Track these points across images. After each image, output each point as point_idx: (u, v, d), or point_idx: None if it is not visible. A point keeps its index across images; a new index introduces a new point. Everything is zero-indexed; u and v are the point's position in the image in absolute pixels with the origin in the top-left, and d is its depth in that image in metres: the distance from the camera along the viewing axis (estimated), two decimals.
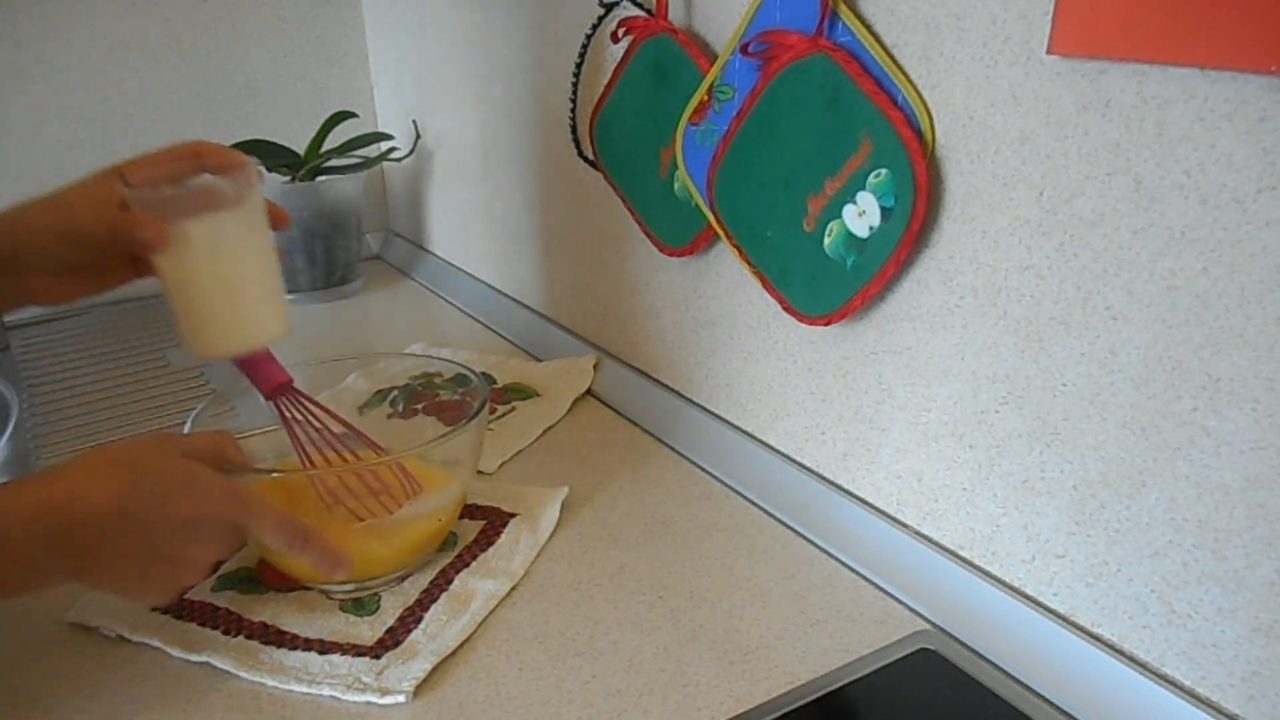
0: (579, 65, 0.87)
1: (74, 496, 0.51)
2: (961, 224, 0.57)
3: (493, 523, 0.73)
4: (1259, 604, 0.47)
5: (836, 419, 0.70)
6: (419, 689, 0.57)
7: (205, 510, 0.54)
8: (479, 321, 1.20)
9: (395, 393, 0.81)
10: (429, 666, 0.58)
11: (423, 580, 0.67)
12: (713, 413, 0.84)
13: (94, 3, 1.21)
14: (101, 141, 1.25)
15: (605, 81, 0.84)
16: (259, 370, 0.65)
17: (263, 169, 0.60)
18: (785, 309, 0.69)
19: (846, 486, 0.71)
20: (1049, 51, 0.49)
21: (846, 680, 0.57)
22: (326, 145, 1.30)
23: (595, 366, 0.98)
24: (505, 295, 1.18)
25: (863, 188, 0.60)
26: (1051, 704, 0.55)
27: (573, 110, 0.90)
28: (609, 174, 0.87)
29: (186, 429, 0.64)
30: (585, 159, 0.91)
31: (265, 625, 0.63)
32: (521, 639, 0.62)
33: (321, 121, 1.30)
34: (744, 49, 0.66)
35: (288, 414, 0.65)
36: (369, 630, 0.62)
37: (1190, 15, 0.42)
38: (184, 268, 0.58)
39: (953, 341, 0.60)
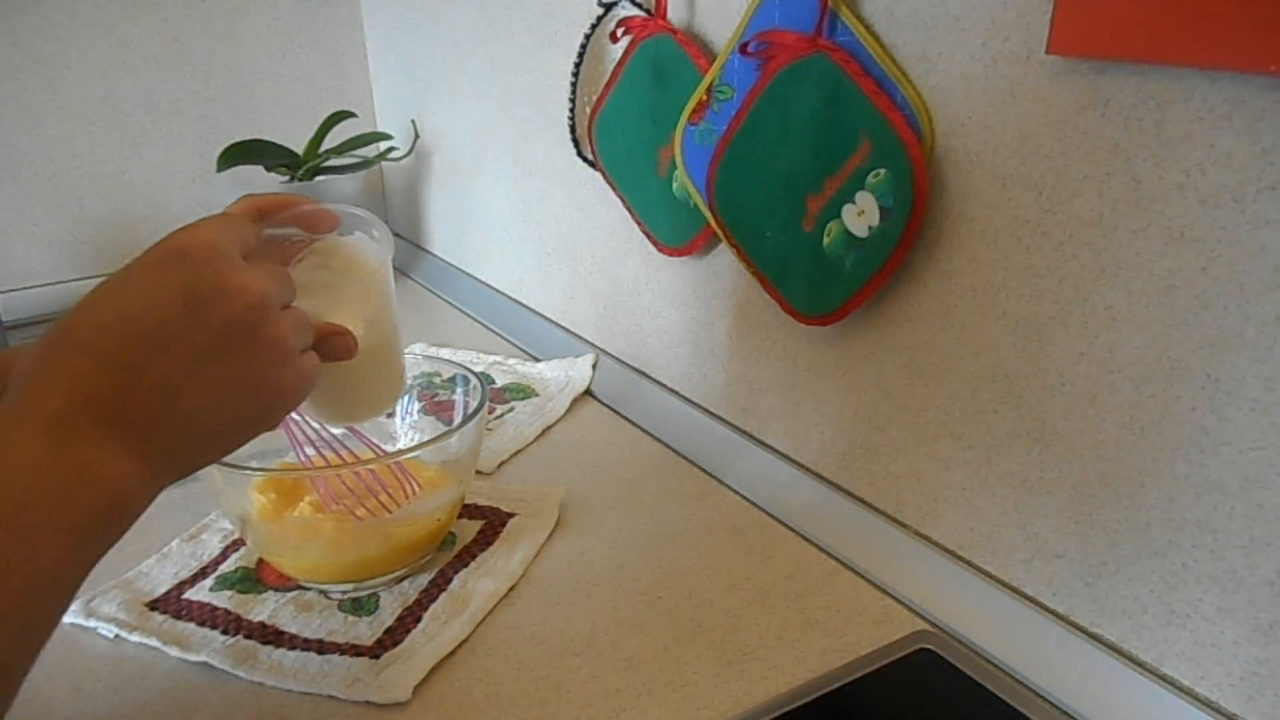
0: (578, 65, 0.87)
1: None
2: (960, 223, 0.57)
3: (491, 522, 0.73)
4: (1258, 604, 0.47)
5: (835, 419, 0.70)
6: (418, 689, 0.57)
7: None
8: (478, 321, 1.20)
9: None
10: (428, 666, 0.58)
11: (421, 580, 0.67)
12: (711, 412, 0.84)
13: (92, 2, 1.21)
14: (99, 141, 1.25)
15: (604, 81, 0.84)
16: None
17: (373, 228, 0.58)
18: (784, 309, 0.69)
19: (845, 486, 0.71)
20: (1048, 51, 0.49)
21: (845, 680, 0.57)
22: (325, 145, 1.30)
23: (594, 366, 0.98)
24: (504, 295, 1.18)
25: (862, 187, 0.60)
26: (1051, 703, 0.55)
27: (571, 110, 0.90)
28: (608, 174, 0.87)
29: None
30: (584, 159, 0.91)
31: (264, 625, 0.63)
32: (520, 639, 0.62)
33: (320, 121, 1.30)
34: (743, 49, 0.66)
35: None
36: (368, 630, 0.62)
37: (1189, 15, 0.42)
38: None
39: (951, 341, 0.60)
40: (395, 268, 1.43)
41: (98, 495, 0.37)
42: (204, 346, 0.40)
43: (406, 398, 0.80)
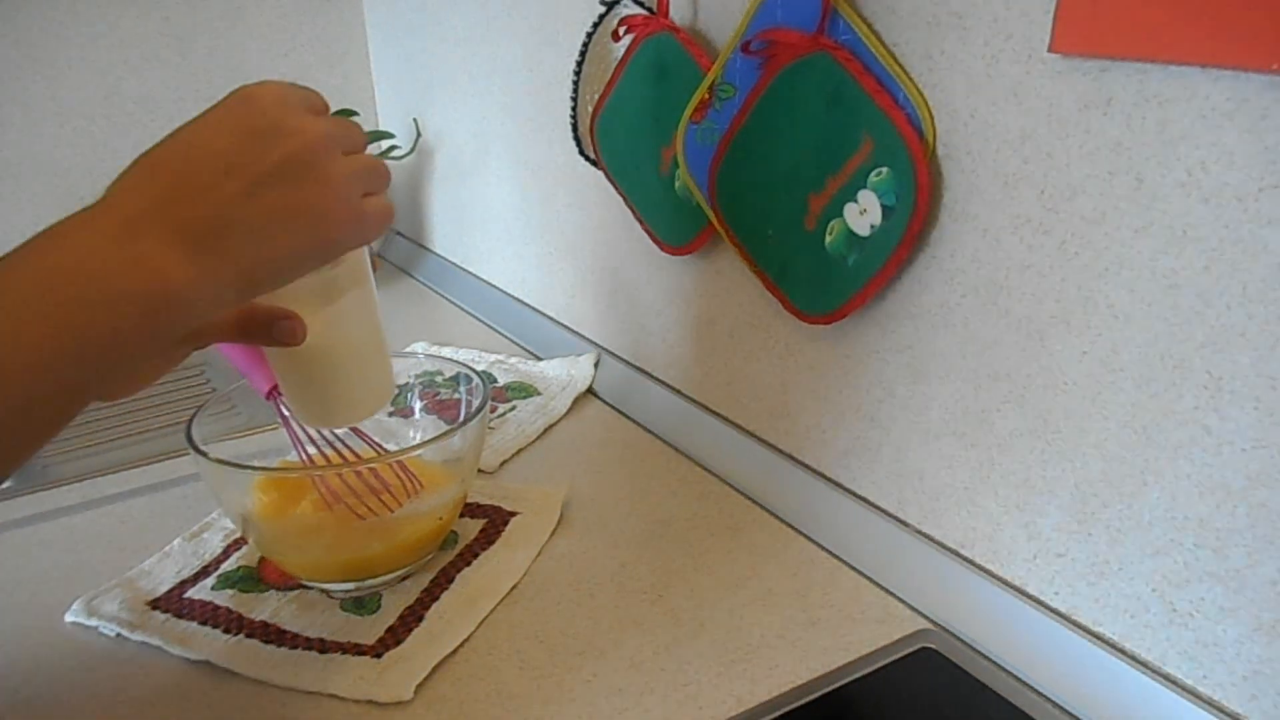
0: (580, 63, 0.87)
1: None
2: (962, 222, 0.57)
3: (493, 521, 0.73)
4: (1260, 603, 0.47)
5: (837, 417, 0.70)
6: (420, 688, 0.57)
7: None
8: (480, 320, 1.20)
9: (396, 391, 0.81)
10: (430, 665, 0.58)
11: (424, 579, 0.67)
12: (713, 411, 0.84)
13: (94, 2, 1.21)
14: (101, 140, 1.25)
15: (606, 80, 0.84)
16: (259, 370, 0.65)
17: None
18: (786, 308, 0.69)
19: (847, 485, 0.71)
20: (1050, 50, 0.49)
21: (848, 679, 0.57)
22: None
23: (596, 365, 0.98)
24: (506, 294, 1.18)
25: (864, 186, 0.60)
26: (1053, 703, 0.55)
27: (574, 109, 0.90)
28: (610, 172, 0.87)
29: (189, 429, 0.64)
30: (586, 157, 0.91)
31: (266, 624, 0.63)
32: (522, 638, 0.62)
33: None
34: (745, 47, 0.66)
35: (288, 412, 0.65)
36: (370, 629, 0.62)
37: (1192, 14, 0.42)
38: (314, 349, 0.55)
39: (954, 340, 0.59)
40: (396, 266, 1.44)
41: (146, 278, 0.41)
42: (262, 174, 0.44)
43: (409, 395, 0.80)
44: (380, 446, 0.68)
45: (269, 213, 0.44)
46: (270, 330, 0.53)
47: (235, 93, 0.47)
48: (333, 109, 1.23)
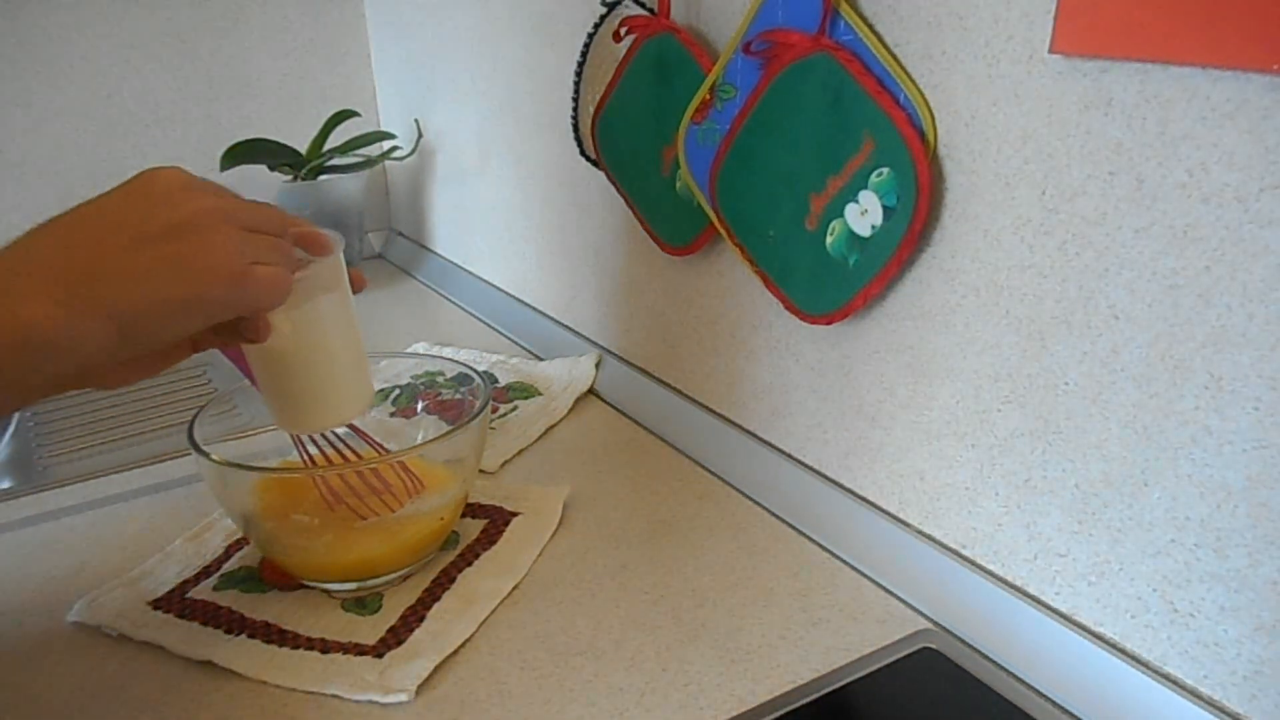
0: (581, 64, 0.87)
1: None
2: (963, 223, 0.57)
3: (495, 521, 0.74)
4: (1261, 603, 0.47)
5: (838, 418, 0.70)
6: (421, 688, 0.57)
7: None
8: (481, 320, 1.20)
9: (397, 391, 0.81)
10: (431, 665, 0.58)
11: (425, 579, 0.67)
12: (714, 411, 0.84)
13: (96, 2, 1.21)
14: (104, 141, 1.25)
15: (607, 80, 0.84)
16: None
17: (340, 237, 0.59)
18: (787, 308, 0.69)
19: (848, 485, 0.71)
20: (1051, 50, 0.49)
21: (848, 679, 0.57)
22: (328, 144, 1.30)
23: (597, 365, 0.98)
24: (507, 294, 1.18)
25: (865, 187, 0.60)
26: (1053, 703, 0.55)
27: (575, 109, 0.90)
28: (611, 173, 0.87)
29: (190, 429, 0.64)
30: (587, 158, 0.91)
31: (268, 624, 0.63)
32: (524, 638, 0.62)
33: (323, 120, 1.30)
34: (746, 48, 0.66)
35: None
36: (371, 629, 0.62)
37: (1192, 15, 0.42)
38: (284, 351, 0.56)
39: (954, 340, 0.60)
40: (397, 266, 1.44)
41: (10, 324, 0.44)
42: (147, 233, 0.47)
43: (411, 396, 0.80)
44: (382, 447, 0.68)
45: (146, 264, 0.46)
46: (238, 325, 0.54)
47: (140, 173, 0.50)
48: (334, 110, 1.24)
